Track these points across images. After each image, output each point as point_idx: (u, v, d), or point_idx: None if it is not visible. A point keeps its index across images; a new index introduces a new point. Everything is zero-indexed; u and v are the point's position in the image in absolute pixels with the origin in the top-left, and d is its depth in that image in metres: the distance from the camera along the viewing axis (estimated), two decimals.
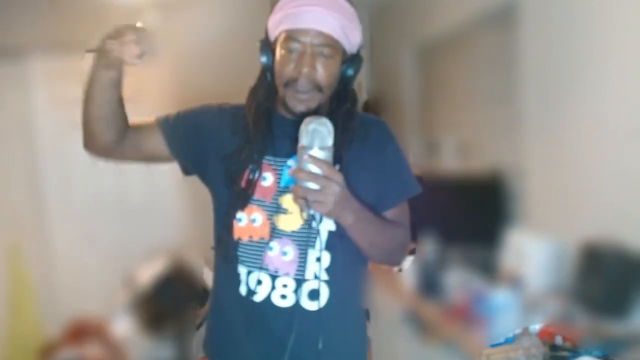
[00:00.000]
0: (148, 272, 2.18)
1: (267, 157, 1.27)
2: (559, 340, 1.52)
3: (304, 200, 1.09)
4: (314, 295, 1.24)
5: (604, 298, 1.92)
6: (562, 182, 2.32)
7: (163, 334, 1.81)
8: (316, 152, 1.08)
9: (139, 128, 1.34)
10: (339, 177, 1.09)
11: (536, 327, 1.58)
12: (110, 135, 1.27)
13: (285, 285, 1.24)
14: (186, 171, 1.39)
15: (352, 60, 1.24)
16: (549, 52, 2.33)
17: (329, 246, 1.23)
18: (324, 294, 1.24)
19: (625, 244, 1.90)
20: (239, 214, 1.25)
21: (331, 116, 1.18)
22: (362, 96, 1.34)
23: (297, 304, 1.24)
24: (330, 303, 1.25)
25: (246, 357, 1.29)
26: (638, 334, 1.71)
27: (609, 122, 2.05)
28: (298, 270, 1.24)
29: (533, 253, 2.25)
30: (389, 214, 1.29)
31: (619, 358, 1.54)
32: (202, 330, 1.62)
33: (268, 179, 1.26)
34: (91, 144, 1.30)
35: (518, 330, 1.57)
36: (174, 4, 3.09)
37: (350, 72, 1.23)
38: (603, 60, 2.05)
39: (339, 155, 1.19)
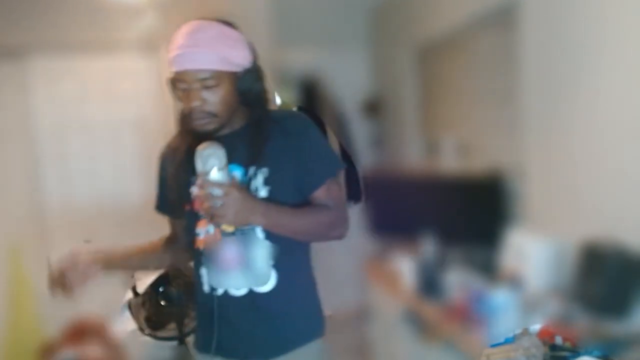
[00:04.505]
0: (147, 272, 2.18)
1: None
2: (559, 340, 1.52)
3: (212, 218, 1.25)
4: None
5: (604, 298, 1.92)
6: (562, 182, 2.32)
7: (163, 334, 1.82)
8: (214, 174, 1.23)
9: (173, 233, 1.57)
10: (233, 190, 1.24)
11: (536, 327, 1.58)
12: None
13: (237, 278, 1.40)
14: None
15: (245, 75, 1.36)
16: (549, 52, 2.33)
17: (266, 236, 1.38)
18: (273, 276, 1.39)
19: (625, 244, 1.90)
20: (198, 229, 1.42)
21: (245, 127, 1.38)
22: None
23: (250, 291, 1.39)
24: (280, 282, 1.39)
25: (213, 345, 1.45)
26: (638, 334, 1.71)
27: (608, 122, 2.05)
28: (245, 263, 1.39)
29: (533, 253, 2.25)
30: (317, 195, 1.41)
31: (619, 358, 1.54)
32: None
33: None
34: None
35: (518, 330, 1.57)
36: (174, 4, 3.09)
37: (245, 86, 1.36)
38: (603, 60, 2.05)
39: (259, 154, 1.36)
